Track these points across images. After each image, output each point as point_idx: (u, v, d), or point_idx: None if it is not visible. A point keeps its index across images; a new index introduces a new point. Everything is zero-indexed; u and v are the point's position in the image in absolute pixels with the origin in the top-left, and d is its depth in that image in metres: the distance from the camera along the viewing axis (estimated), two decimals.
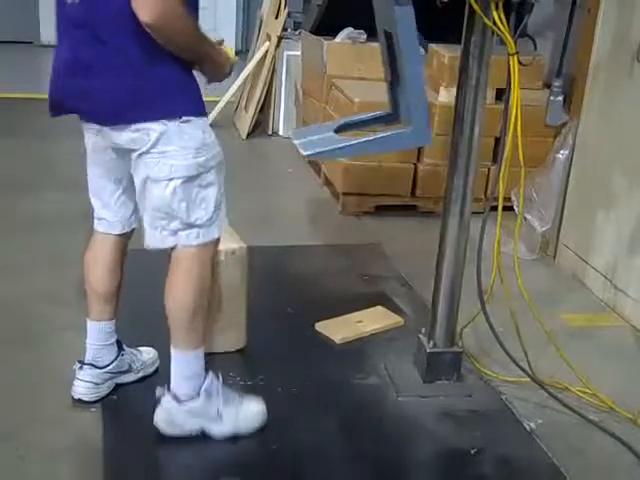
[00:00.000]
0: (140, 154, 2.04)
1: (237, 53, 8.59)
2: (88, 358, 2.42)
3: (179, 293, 2.18)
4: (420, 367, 2.65)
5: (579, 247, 3.62)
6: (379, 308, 3.10)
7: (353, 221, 4.18)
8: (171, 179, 2.04)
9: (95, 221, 2.38)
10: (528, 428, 2.46)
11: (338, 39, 5.06)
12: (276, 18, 5.72)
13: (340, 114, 4.24)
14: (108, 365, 2.43)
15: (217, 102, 5.86)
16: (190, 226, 2.11)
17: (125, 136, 2.04)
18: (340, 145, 2.20)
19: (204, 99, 2.11)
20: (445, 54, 4.21)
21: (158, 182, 2.06)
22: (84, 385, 2.41)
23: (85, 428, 2.35)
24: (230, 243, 2.59)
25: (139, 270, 3.23)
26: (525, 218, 3.63)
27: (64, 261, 3.41)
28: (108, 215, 2.34)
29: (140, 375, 2.52)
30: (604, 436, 2.45)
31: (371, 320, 3.00)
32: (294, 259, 3.61)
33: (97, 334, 2.42)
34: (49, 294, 3.12)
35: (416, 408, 2.51)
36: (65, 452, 2.25)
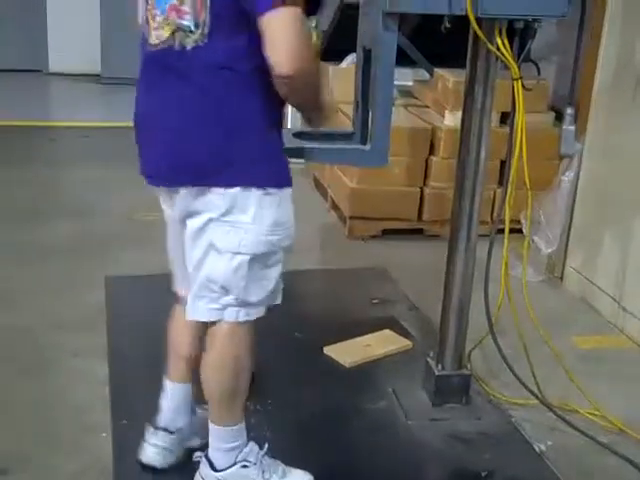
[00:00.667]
0: (210, 219, 1.89)
1: None
2: (164, 422, 2.25)
3: (216, 375, 2.05)
4: (429, 390, 2.65)
5: (586, 269, 3.62)
6: (387, 332, 3.11)
7: (360, 245, 4.20)
8: (238, 253, 1.89)
9: (177, 290, 2.22)
10: (538, 450, 2.46)
11: (344, 64, 5.10)
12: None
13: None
14: (181, 429, 2.25)
15: None
16: (244, 304, 1.96)
17: (200, 200, 1.88)
18: (296, 146, 2.19)
19: (290, 173, 1.98)
20: (450, 78, 4.25)
21: (222, 253, 1.90)
22: (155, 451, 2.23)
23: (97, 452, 2.36)
24: None
25: (125, 296, 3.28)
26: (532, 240, 3.64)
27: (76, 288, 3.45)
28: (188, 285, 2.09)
29: (206, 440, 2.19)
30: (614, 458, 2.45)
31: (379, 344, 3.01)
32: (301, 283, 3.61)
33: (177, 396, 2.25)
34: (61, 321, 3.14)
35: (426, 432, 2.52)
36: (77, 476, 2.27)
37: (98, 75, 8.07)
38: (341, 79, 4.96)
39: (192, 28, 1.76)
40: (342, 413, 2.59)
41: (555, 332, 3.00)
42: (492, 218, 3.90)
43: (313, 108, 1.99)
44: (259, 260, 1.92)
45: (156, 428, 2.25)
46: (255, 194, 1.86)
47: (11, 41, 8.01)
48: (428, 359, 2.68)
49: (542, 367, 2.65)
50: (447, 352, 2.61)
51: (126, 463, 2.28)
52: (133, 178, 5.46)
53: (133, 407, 2.53)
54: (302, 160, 2.22)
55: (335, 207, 4.63)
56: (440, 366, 2.63)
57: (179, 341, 2.23)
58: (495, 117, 3.92)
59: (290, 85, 1.76)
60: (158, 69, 1.87)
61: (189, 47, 1.78)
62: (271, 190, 1.89)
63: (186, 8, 1.76)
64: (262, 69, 1.76)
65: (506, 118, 3.34)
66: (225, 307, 1.96)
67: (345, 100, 4.79)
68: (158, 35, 1.83)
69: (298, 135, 2.26)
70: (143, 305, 3.22)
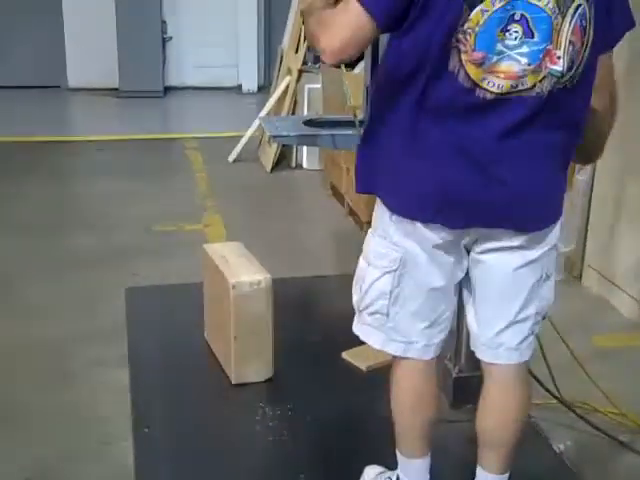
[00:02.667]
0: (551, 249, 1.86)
1: (260, 88, 8.72)
2: None
3: (523, 419, 2.00)
4: (447, 392, 2.66)
5: (604, 267, 3.61)
6: None
7: None
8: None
9: (401, 346, 1.94)
10: (557, 450, 2.46)
11: (357, 70, 5.12)
12: (296, 52, 5.81)
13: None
14: None
15: (241, 137, 5.95)
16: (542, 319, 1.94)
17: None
18: (306, 133, 2.20)
19: None
20: None
21: (549, 278, 1.88)
22: None
23: (119, 461, 2.39)
24: (255, 274, 2.63)
25: (146, 307, 3.31)
26: None
27: (96, 299, 3.50)
28: (431, 335, 1.93)
29: None
30: (635, 457, 2.44)
31: None
32: (319, 289, 3.63)
33: (424, 471, 2.09)
34: (82, 332, 3.19)
35: (445, 433, 2.51)
36: None
37: (116, 89, 8.16)
38: (355, 85, 4.99)
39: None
40: (361, 416, 2.60)
41: (574, 331, 2.98)
42: None
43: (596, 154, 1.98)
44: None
45: None
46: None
47: (30, 58, 8.11)
48: (446, 361, 2.68)
49: (561, 366, 2.64)
50: (464, 354, 2.61)
51: (148, 471, 2.30)
52: (150, 190, 5.56)
53: (154, 415, 2.55)
54: (316, 146, 2.27)
55: (352, 213, 4.64)
56: (457, 368, 2.63)
57: (424, 405, 2.02)
58: None
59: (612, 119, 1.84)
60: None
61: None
62: None
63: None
64: None
65: None
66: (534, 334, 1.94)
67: (360, 105, 4.86)
68: None
69: (308, 122, 2.28)
70: (163, 315, 3.26)
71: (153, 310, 3.30)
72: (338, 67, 1.88)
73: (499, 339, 1.88)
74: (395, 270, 1.84)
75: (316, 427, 2.53)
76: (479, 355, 1.96)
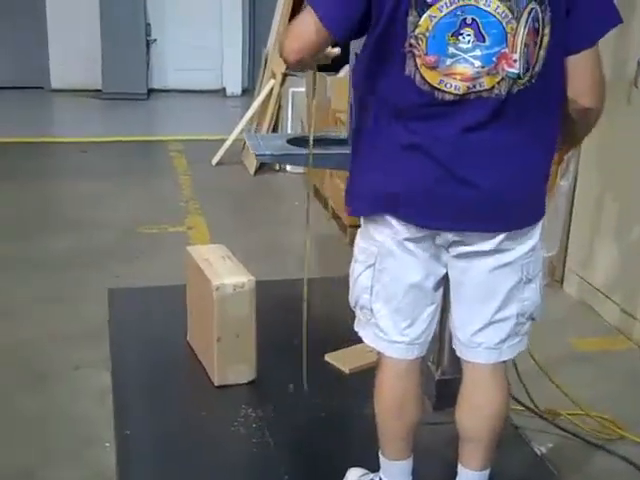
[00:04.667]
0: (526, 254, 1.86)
1: (244, 92, 8.72)
2: None
3: (503, 419, 2.00)
4: (429, 395, 2.66)
5: (586, 272, 3.64)
6: None
7: None
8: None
9: (384, 344, 1.96)
10: (539, 452, 2.47)
11: (341, 74, 5.13)
12: (280, 56, 5.81)
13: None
14: None
15: (225, 140, 5.95)
16: (530, 320, 1.95)
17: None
18: (291, 152, 2.23)
19: None
20: None
21: (531, 281, 1.89)
22: None
23: (101, 463, 2.38)
24: (239, 276, 2.63)
25: (128, 308, 3.30)
26: None
27: (77, 301, 3.48)
28: (412, 334, 1.95)
29: None
30: (613, 459, 2.46)
31: None
32: (302, 292, 3.63)
33: (406, 473, 2.10)
34: (63, 333, 3.17)
35: (427, 435, 2.52)
36: None
37: (99, 91, 8.13)
38: (339, 88, 5.00)
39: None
40: (344, 419, 2.61)
41: (555, 335, 3.01)
42: None
43: (583, 138, 2.01)
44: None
45: None
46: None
47: (12, 58, 8.07)
48: (428, 363, 2.69)
49: (535, 371, 2.64)
50: (446, 356, 2.62)
51: (129, 473, 2.29)
52: (133, 192, 5.53)
53: (136, 418, 2.55)
54: (300, 166, 2.28)
55: (335, 216, 4.65)
56: (440, 370, 2.64)
57: (407, 407, 2.03)
58: None
59: (592, 116, 1.83)
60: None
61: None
62: None
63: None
64: None
65: None
66: (525, 334, 1.95)
67: (344, 109, 4.87)
68: None
69: (293, 141, 2.29)
70: (145, 317, 3.25)
71: (135, 312, 3.29)
72: (302, 71, 1.95)
73: (477, 339, 1.91)
74: (373, 264, 1.89)
75: (299, 429, 2.53)
76: (458, 353, 1.98)
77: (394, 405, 2.03)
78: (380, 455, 2.09)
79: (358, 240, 1.96)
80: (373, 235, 1.88)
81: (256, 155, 2.83)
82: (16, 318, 3.32)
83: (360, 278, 1.94)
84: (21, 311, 3.39)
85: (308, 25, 1.72)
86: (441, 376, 2.63)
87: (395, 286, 1.89)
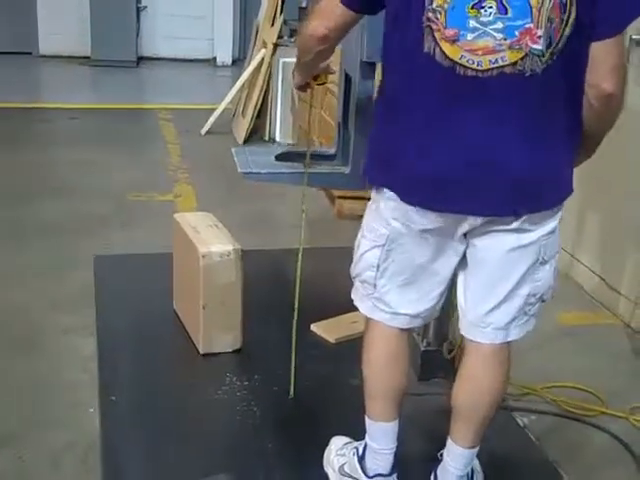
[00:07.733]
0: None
1: (234, 61, 8.65)
2: (388, 468, 2.09)
3: (499, 397, 1.99)
4: (415, 365, 2.68)
5: (569, 245, 3.65)
6: None
7: (348, 224, 4.21)
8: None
9: (386, 316, 1.97)
10: (522, 424, 2.50)
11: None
12: (272, 25, 5.77)
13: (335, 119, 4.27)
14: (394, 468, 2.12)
15: (214, 109, 5.91)
16: (540, 302, 1.92)
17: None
18: (277, 171, 2.23)
19: None
20: None
21: (547, 263, 1.85)
22: None
23: (85, 428, 2.39)
24: (225, 245, 2.63)
25: (114, 275, 3.30)
26: None
27: (65, 267, 3.48)
28: (419, 308, 1.95)
29: None
30: (597, 432, 2.49)
31: None
32: (289, 262, 3.63)
33: (392, 436, 2.09)
34: (50, 299, 3.17)
35: (412, 406, 2.53)
36: (64, 451, 2.30)
37: (88, 57, 8.06)
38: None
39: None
40: (329, 389, 2.62)
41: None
42: None
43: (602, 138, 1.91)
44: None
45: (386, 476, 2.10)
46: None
47: (1, 24, 7.98)
48: (414, 335, 2.70)
49: (525, 344, 2.66)
50: (432, 327, 2.64)
51: (114, 438, 2.30)
52: (122, 160, 5.51)
53: (121, 384, 2.55)
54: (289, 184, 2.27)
55: (326, 189, 4.64)
56: (425, 341, 2.65)
57: (394, 366, 2.04)
58: None
59: (610, 104, 1.74)
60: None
61: None
62: None
63: None
64: None
65: None
66: (533, 316, 1.93)
67: (335, 80, 4.85)
68: None
69: (281, 157, 2.28)
70: (131, 284, 3.24)
71: (122, 279, 3.29)
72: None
73: (488, 318, 1.88)
74: (383, 245, 1.86)
75: (283, 398, 2.54)
76: (464, 332, 1.95)
77: (385, 362, 2.03)
78: (366, 418, 2.10)
79: (368, 218, 1.91)
80: (386, 216, 1.83)
81: (244, 174, 2.73)
82: (4, 284, 3.31)
83: (366, 255, 1.91)
84: (9, 277, 3.38)
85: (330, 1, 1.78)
86: (426, 347, 2.65)
87: (405, 267, 1.87)
